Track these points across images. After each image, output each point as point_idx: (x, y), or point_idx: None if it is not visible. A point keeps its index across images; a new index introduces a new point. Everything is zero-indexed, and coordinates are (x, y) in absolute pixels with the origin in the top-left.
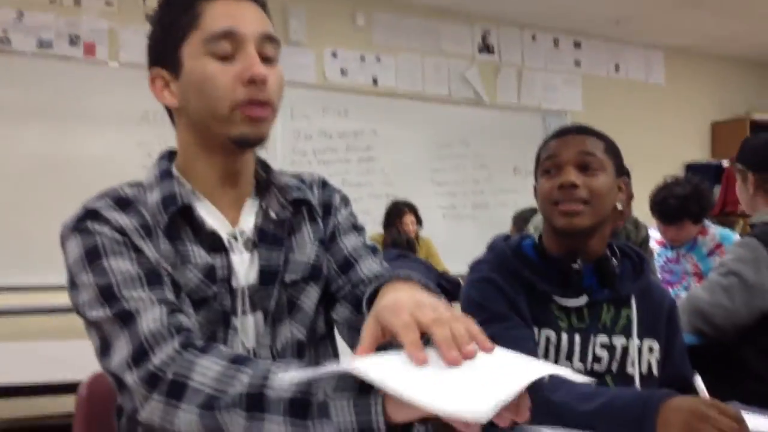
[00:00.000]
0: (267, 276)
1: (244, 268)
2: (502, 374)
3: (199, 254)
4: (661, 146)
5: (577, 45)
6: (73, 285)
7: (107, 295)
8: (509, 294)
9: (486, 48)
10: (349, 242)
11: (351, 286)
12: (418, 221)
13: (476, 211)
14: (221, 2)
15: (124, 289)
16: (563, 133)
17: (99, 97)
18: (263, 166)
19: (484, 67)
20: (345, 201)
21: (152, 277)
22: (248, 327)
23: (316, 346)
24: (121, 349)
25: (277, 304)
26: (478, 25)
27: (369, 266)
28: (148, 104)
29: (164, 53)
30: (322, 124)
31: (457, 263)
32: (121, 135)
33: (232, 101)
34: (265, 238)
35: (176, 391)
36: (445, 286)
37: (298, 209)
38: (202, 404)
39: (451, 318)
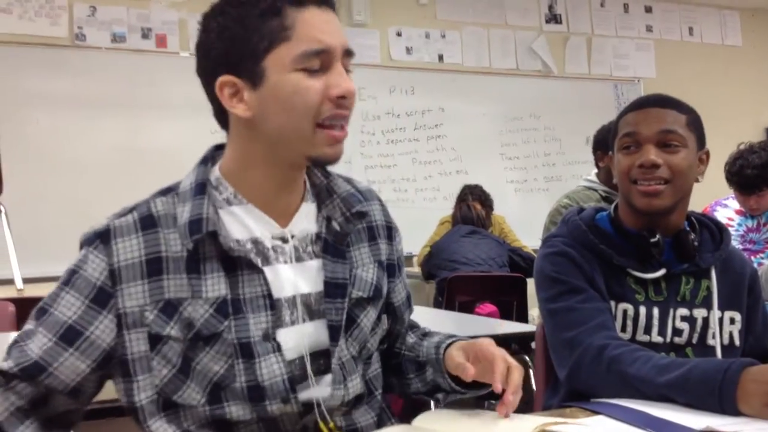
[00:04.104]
0: (333, 288)
1: (293, 275)
2: None
3: (212, 287)
4: (739, 110)
5: (648, 9)
6: None
7: (37, 314)
8: (584, 267)
9: (553, 18)
10: (405, 278)
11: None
12: (485, 205)
13: (549, 183)
14: (310, 11)
15: (42, 326)
16: (643, 105)
17: (171, 87)
18: (323, 170)
19: (552, 38)
20: (396, 226)
21: (68, 334)
22: (302, 335)
23: (364, 364)
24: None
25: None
26: None
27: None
28: None
29: (241, 61)
30: (390, 104)
31: (531, 237)
32: (194, 123)
33: (317, 117)
34: (327, 249)
35: None
36: (518, 262)
37: (359, 223)
38: None
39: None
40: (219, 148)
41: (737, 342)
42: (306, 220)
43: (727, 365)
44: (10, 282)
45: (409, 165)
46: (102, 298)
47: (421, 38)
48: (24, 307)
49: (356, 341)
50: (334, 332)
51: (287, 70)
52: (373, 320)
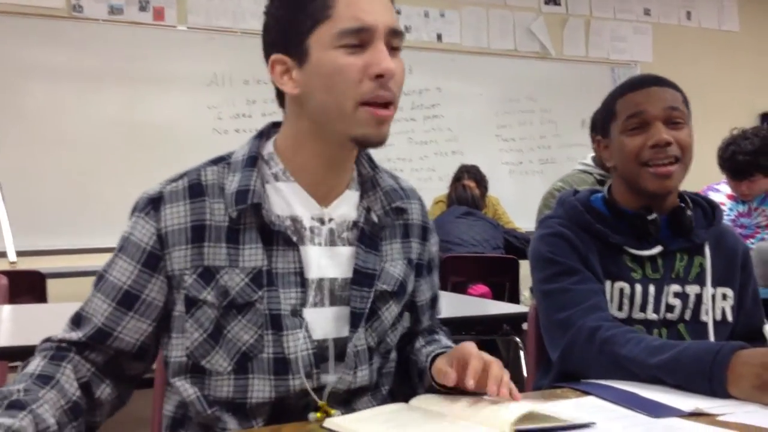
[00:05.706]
0: (362, 277)
1: (323, 259)
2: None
3: (249, 257)
4: (735, 95)
5: None
6: None
7: (96, 281)
8: (580, 248)
9: None
10: (437, 279)
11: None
12: (480, 185)
13: (544, 166)
14: None
15: (101, 291)
16: (642, 84)
17: (169, 61)
18: (370, 161)
19: (551, 19)
20: (433, 228)
21: (126, 299)
22: (324, 318)
23: (381, 358)
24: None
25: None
26: None
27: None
28: (216, 67)
29: (288, 40)
30: None
31: (524, 219)
32: (190, 98)
33: (358, 95)
34: (362, 239)
35: None
36: (514, 243)
37: (396, 219)
38: None
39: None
40: (276, 125)
41: (729, 318)
42: (347, 206)
43: (719, 347)
44: (3, 255)
45: (405, 145)
46: (152, 261)
47: (420, 17)
48: (17, 280)
49: (375, 333)
50: (355, 319)
51: (328, 48)
52: (394, 315)
